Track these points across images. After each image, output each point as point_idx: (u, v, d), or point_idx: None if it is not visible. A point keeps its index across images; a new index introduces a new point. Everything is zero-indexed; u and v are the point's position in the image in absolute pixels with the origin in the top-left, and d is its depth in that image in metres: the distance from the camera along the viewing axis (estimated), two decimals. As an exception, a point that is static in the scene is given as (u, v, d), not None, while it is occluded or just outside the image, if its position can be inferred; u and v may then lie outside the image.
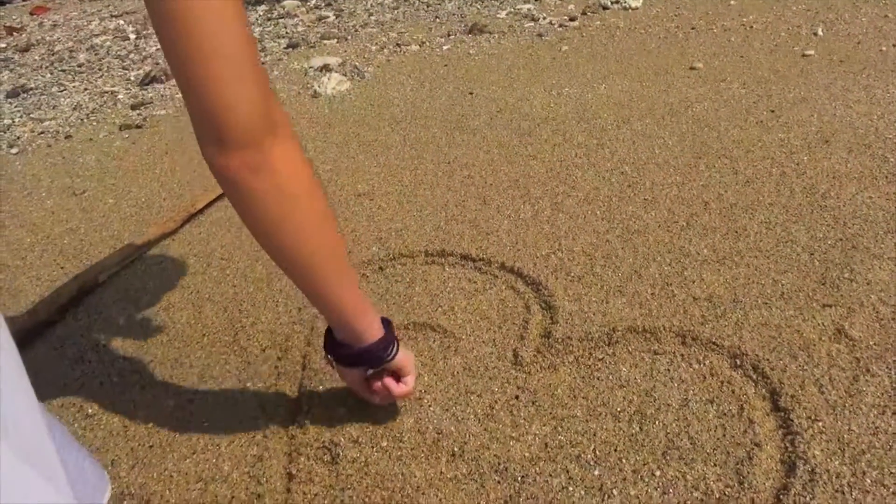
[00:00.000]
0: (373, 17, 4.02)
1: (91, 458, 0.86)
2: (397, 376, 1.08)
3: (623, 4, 3.52)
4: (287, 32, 3.94)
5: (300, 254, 0.85)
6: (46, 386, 1.36)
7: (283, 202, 0.79)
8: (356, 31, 3.80)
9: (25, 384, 0.64)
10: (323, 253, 0.87)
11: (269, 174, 0.75)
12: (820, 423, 1.03)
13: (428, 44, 3.40)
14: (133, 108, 3.06)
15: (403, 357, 1.06)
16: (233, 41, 0.70)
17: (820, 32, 2.74)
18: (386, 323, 1.04)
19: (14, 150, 2.72)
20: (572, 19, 3.42)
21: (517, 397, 1.17)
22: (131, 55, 3.86)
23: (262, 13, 4.40)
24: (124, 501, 1.06)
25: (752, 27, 2.95)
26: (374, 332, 1.00)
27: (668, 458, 1.02)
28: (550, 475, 1.01)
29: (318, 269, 0.89)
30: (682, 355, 1.21)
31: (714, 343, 1.22)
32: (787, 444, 1.01)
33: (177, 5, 0.67)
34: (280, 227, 0.81)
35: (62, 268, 1.80)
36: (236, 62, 0.70)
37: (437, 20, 3.78)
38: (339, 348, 1.03)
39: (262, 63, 0.87)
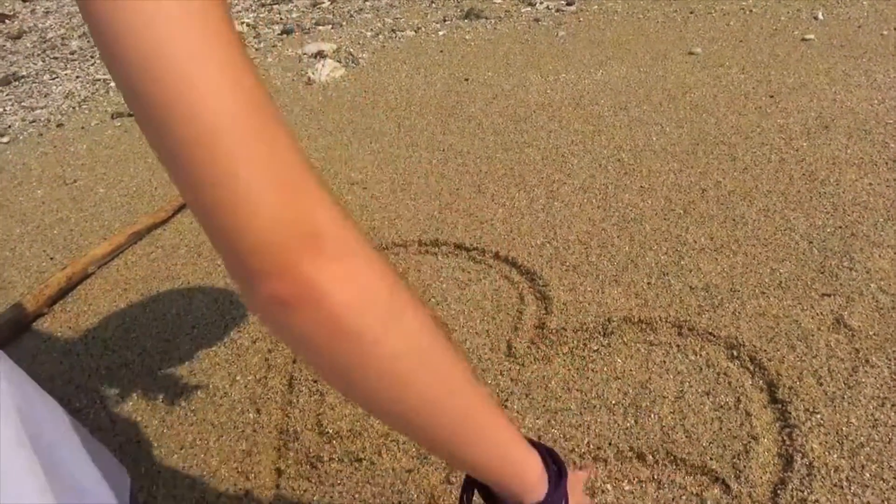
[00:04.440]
0: (368, 3, 3.97)
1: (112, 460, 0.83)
2: None
3: (621, -12, 3.47)
4: (281, 18, 3.90)
5: (394, 412, 0.55)
6: (34, 379, 1.34)
7: (345, 346, 0.50)
8: (351, 16, 3.76)
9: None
10: (429, 407, 0.56)
11: (312, 308, 0.48)
12: (818, 416, 1.01)
13: (423, 29, 3.36)
14: (125, 95, 3.02)
15: (574, 494, 0.73)
16: (234, 120, 0.43)
17: (820, 16, 2.70)
18: (550, 462, 0.67)
19: (5, 139, 2.69)
20: (570, 4, 3.38)
21: (510, 390, 1.15)
22: (124, 42, 3.81)
23: (256, -1, 4.35)
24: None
25: (751, 11, 2.91)
26: (542, 482, 0.65)
27: (663, 451, 1.00)
28: (543, 469, 1.00)
29: (427, 429, 0.57)
30: (679, 346, 1.19)
31: (711, 333, 1.20)
32: (785, 437, 0.99)
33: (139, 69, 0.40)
34: (349, 377, 0.52)
35: (51, 258, 1.78)
36: (238, 155, 0.43)
37: (433, 5, 3.74)
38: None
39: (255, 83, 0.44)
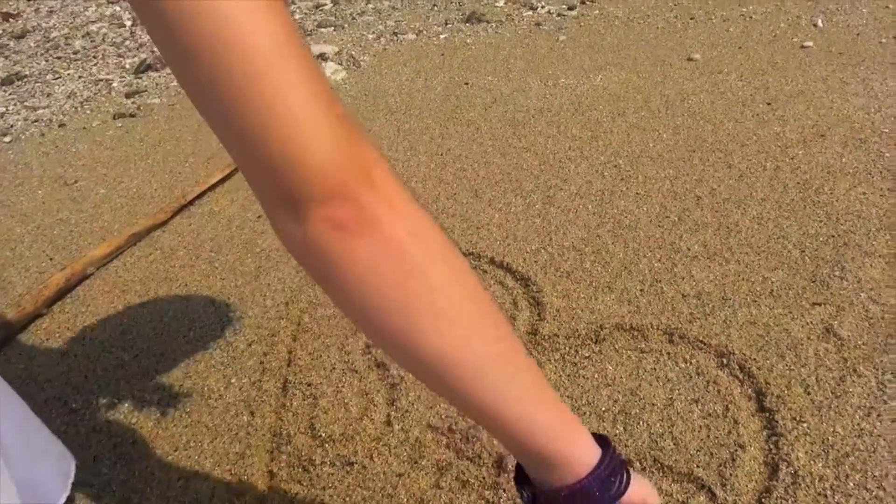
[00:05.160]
0: (370, 5, 3.99)
1: (55, 443, 0.84)
2: None
3: (622, -7, 3.48)
4: (284, 20, 3.91)
5: (440, 355, 0.52)
6: (31, 380, 1.35)
7: (401, 275, 0.49)
8: (353, 18, 3.77)
9: None
10: (477, 350, 0.53)
11: (373, 234, 0.47)
12: (805, 425, 1.02)
13: (425, 32, 3.37)
14: (127, 96, 3.04)
15: (641, 489, 0.63)
16: (292, 62, 0.44)
17: (820, 23, 2.71)
18: (602, 441, 0.61)
19: (7, 139, 2.71)
20: (571, 8, 3.39)
21: (502, 395, 1.16)
22: (127, 42, 3.83)
23: (259, 0, 4.36)
24: (104, 499, 1.06)
25: (751, 17, 2.92)
26: (584, 459, 0.59)
27: (651, 458, 1.01)
28: (532, 475, 1.01)
29: (472, 377, 0.53)
30: (669, 353, 1.20)
31: (701, 341, 1.21)
32: (771, 446, 1.00)
33: (198, 23, 0.41)
34: (403, 315, 0.50)
35: (51, 259, 1.79)
36: (300, 88, 0.44)
37: (435, 8, 3.75)
38: (538, 492, 0.61)
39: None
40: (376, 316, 0.50)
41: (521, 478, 0.62)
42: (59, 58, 3.70)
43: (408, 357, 0.53)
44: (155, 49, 3.60)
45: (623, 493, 0.60)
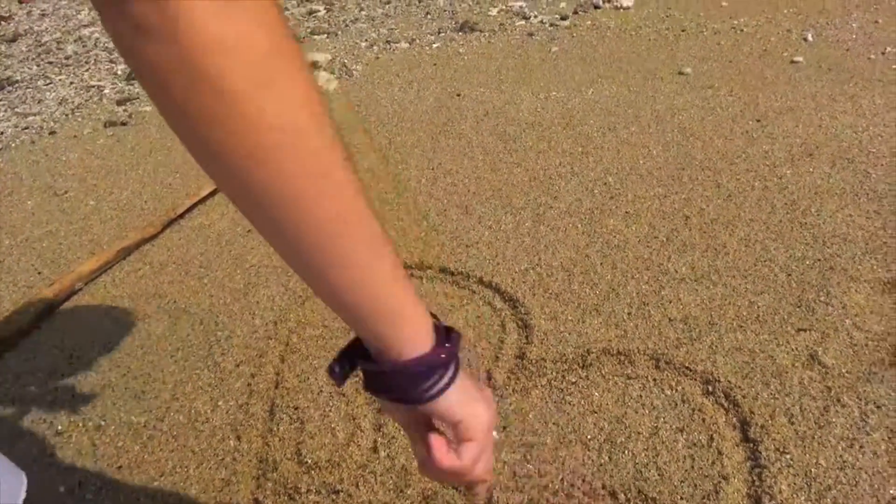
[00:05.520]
0: (364, 13, 3.99)
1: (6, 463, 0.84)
2: (458, 435, 0.57)
3: (615, 4, 3.49)
4: (277, 26, 3.90)
5: (253, 193, 0.45)
6: (18, 400, 1.35)
7: (200, 93, 0.41)
8: (346, 26, 3.77)
9: None
10: (291, 199, 0.46)
11: (167, 39, 0.40)
12: (788, 456, 1.03)
13: (418, 41, 3.37)
14: (119, 103, 3.03)
15: (464, 399, 0.57)
16: None
17: (810, 38, 2.72)
18: (444, 336, 0.56)
19: (-3, 147, 2.70)
20: (563, 18, 3.40)
21: (488, 422, 1.16)
22: (119, 47, 3.82)
23: (252, 5, 4.35)
24: (89, 527, 1.06)
25: (742, 30, 2.93)
26: (407, 348, 0.53)
27: (635, 490, 1.01)
28: (517, 505, 1.01)
29: (294, 226, 0.47)
30: (655, 380, 1.20)
31: (687, 368, 1.22)
32: (755, 478, 1.01)
33: None
34: (203, 136, 0.43)
35: (39, 273, 1.78)
36: None
37: (429, 16, 3.75)
38: (366, 362, 0.56)
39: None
40: (189, 128, 0.44)
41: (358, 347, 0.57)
42: (50, 63, 3.68)
43: (232, 190, 0.46)
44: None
45: (436, 395, 0.54)
